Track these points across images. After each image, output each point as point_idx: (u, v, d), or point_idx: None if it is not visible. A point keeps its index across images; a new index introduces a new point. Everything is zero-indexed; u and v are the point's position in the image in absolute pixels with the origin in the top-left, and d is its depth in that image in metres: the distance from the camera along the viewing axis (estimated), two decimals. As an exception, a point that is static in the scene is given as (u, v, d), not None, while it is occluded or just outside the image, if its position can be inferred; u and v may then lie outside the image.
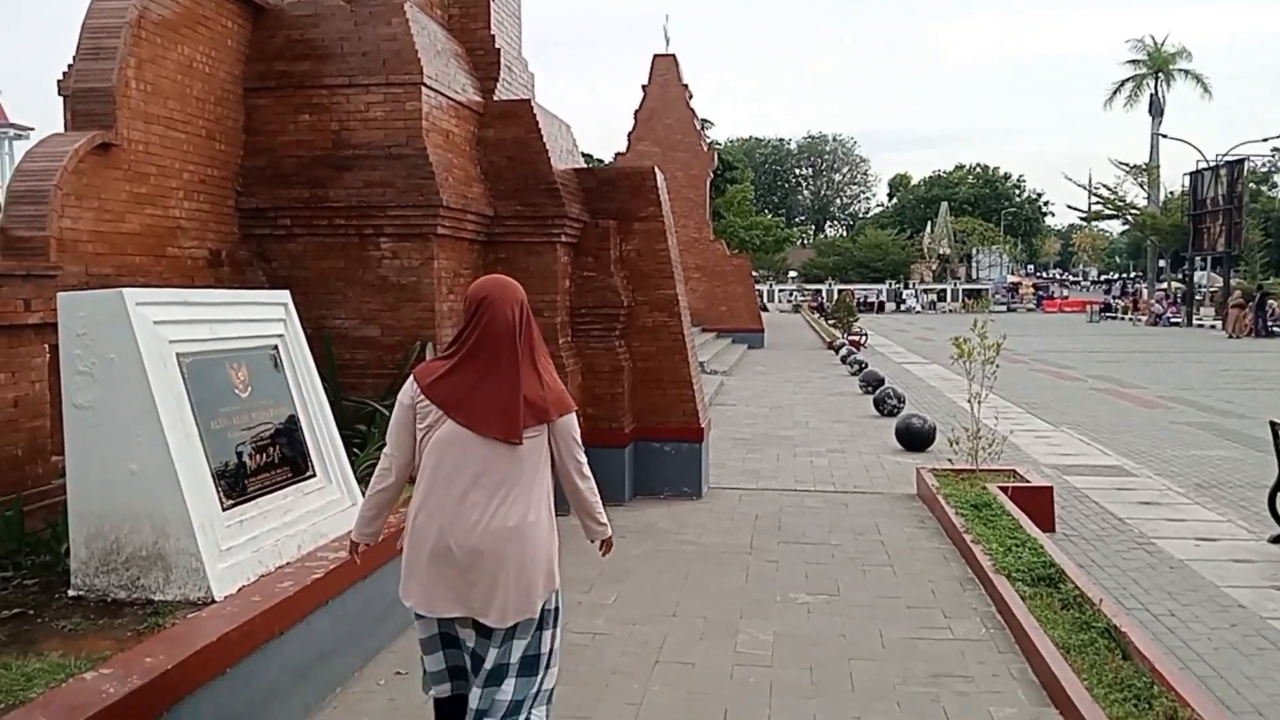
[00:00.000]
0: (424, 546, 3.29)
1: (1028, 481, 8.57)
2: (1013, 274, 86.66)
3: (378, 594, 4.97)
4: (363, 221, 7.32)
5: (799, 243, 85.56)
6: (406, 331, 7.33)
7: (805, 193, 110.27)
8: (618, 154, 29.80)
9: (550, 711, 3.50)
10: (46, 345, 5.16)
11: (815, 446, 12.12)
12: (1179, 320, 45.24)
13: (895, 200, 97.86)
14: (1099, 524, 8.50)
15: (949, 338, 9.85)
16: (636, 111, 29.48)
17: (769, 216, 57.35)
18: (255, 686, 3.98)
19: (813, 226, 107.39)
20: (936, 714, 4.46)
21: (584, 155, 10.61)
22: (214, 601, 4.11)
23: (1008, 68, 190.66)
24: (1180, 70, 61.21)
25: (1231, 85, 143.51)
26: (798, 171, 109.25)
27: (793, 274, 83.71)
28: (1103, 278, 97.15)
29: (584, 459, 3.50)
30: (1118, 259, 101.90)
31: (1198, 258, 50.65)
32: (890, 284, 72.69)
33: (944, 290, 71.02)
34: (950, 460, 9.43)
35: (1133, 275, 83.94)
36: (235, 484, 4.56)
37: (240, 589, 4.25)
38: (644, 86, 29.48)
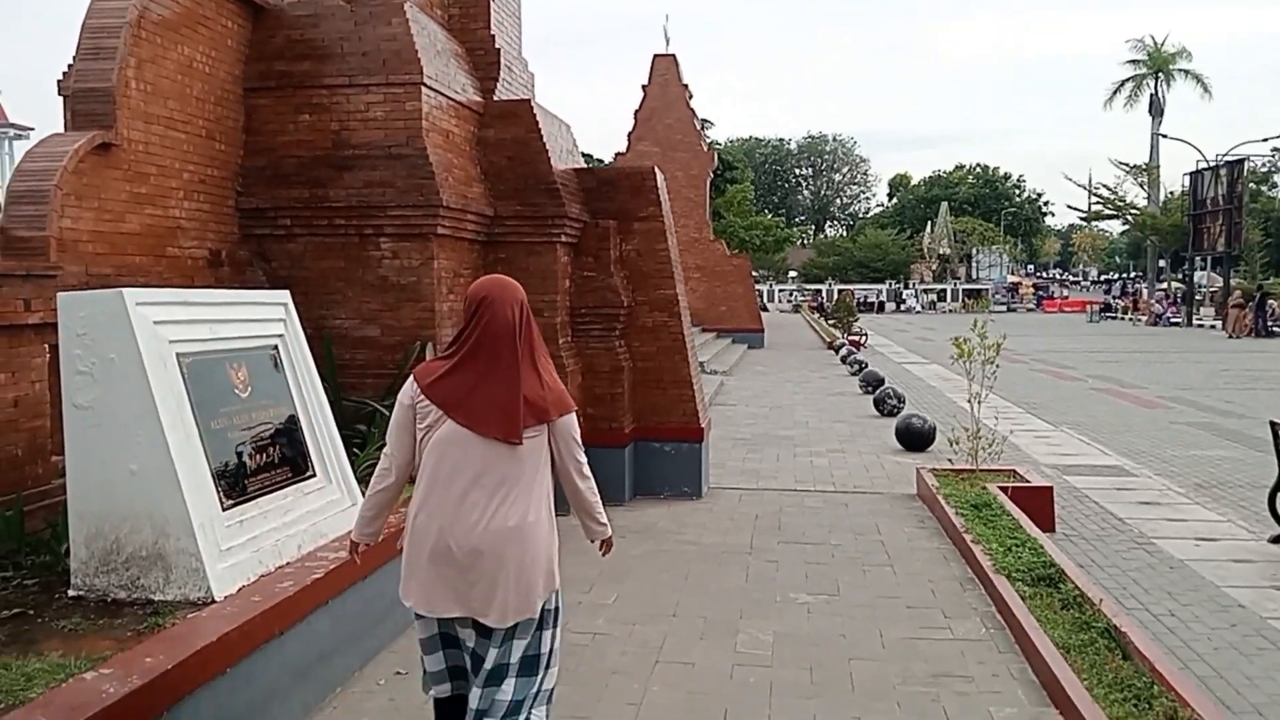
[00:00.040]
0: (424, 546, 3.29)
1: (1028, 481, 8.57)
2: (1013, 274, 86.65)
3: (377, 594, 4.97)
4: (363, 221, 7.32)
5: (799, 243, 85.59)
6: (406, 331, 7.33)
7: (805, 193, 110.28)
8: (618, 154, 29.81)
9: (550, 711, 3.50)
10: (46, 345, 5.16)
11: (815, 446, 12.12)
12: (1179, 320, 45.24)
13: (895, 200, 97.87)
14: (1099, 524, 8.50)
15: (949, 338, 9.85)
16: (636, 111, 29.48)
17: (769, 216, 57.35)
18: (255, 686, 3.98)
19: (813, 226, 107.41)
20: (936, 714, 4.46)
21: (584, 155, 10.61)
22: (214, 601, 4.11)
23: (1008, 68, 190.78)
24: (1180, 70, 61.22)
25: (1232, 85, 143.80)
26: (798, 171, 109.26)
27: (793, 274, 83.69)
28: (1103, 278, 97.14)
29: (584, 459, 3.50)
30: (1118, 259, 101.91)
31: (1198, 258, 50.65)
32: (890, 284, 72.68)
33: (944, 290, 71.01)
34: (950, 460, 9.43)
35: (1133, 275, 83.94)
36: (235, 484, 4.56)
37: (240, 589, 4.25)
38: (644, 86, 29.48)
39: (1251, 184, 48.21)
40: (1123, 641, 4.81)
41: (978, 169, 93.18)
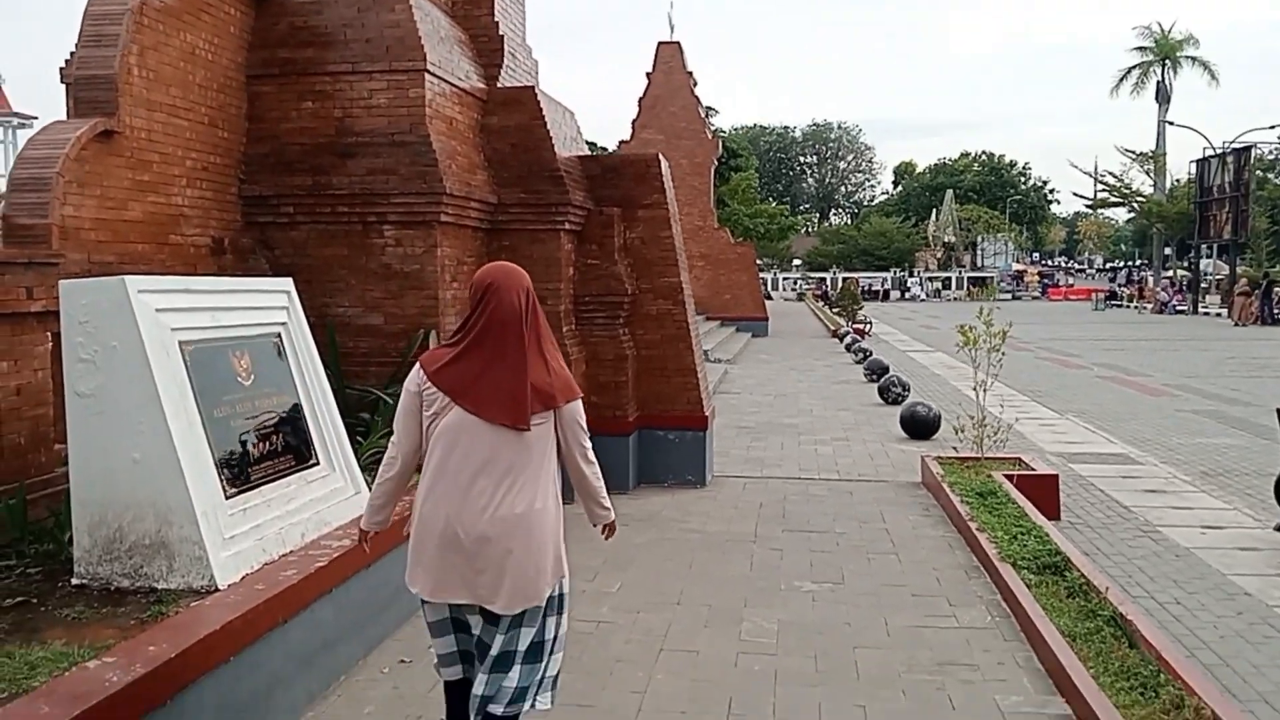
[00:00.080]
0: (431, 534, 3.29)
1: (1033, 469, 8.54)
2: (1018, 262, 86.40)
3: (381, 582, 4.96)
4: (366, 209, 7.29)
5: (803, 231, 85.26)
6: (410, 320, 7.31)
7: (810, 180, 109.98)
8: (622, 142, 29.70)
9: (555, 698, 3.50)
10: (49, 333, 5.15)
11: (819, 434, 12.10)
12: (1184, 308, 45.09)
13: (900, 188, 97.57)
14: (1104, 512, 8.48)
15: (954, 325, 9.82)
16: (640, 99, 29.35)
17: (773, 204, 57.17)
18: (259, 675, 3.98)
19: (817, 214, 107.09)
20: (942, 702, 4.45)
21: (588, 144, 10.57)
22: (217, 590, 4.10)
23: (1014, 55, 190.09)
24: (1187, 57, 60.94)
25: (1239, 72, 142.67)
26: (802, 159, 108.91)
27: (797, 262, 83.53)
28: (1108, 266, 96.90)
29: (589, 444, 3.51)
30: (1123, 247, 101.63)
31: (1204, 245, 50.44)
32: (895, 272, 72.49)
33: (949, 278, 70.84)
34: (955, 448, 9.41)
35: (1138, 263, 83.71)
36: (238, 472, 4.55)
37: (244, 577, 4.25)
38: (648, 74, 29.36)
39: (1258, 171, 47.97)
40: (1129, 629, 4.79)
41: (983, 157, 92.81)
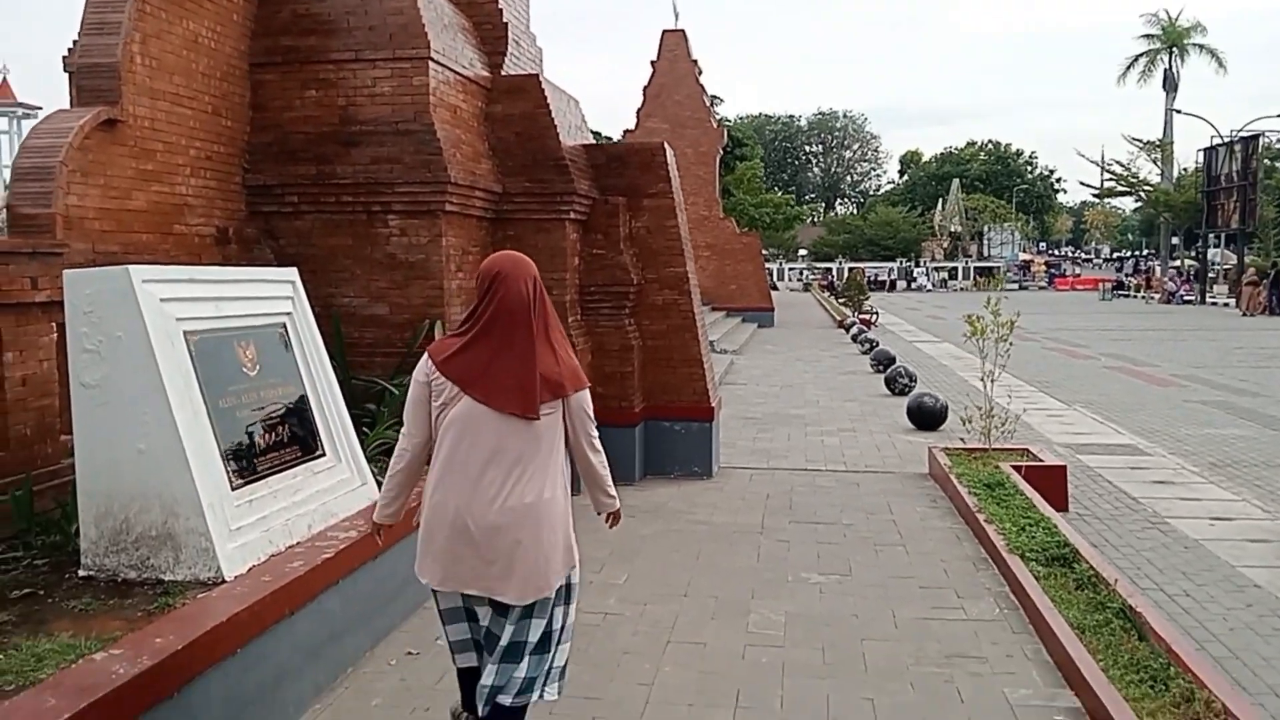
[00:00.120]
0: (441, 524, 3.28)
1: (1041, 460, 8.50)
2: (1024, 252, 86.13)
3: (388, 573, 4.95)
4: (370, 198, 7.26)
5: (809, 221, 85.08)
6: (415, 310, 7.28)
7: (815, 170, 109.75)
8: (626, 131, 29.60)
9: (563, 688, 3.50)
10: (54, 323, 5.13)
11: (826, 426, 12.07)
12: (1192, 298, 44.97)
13: (906, 177, 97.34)
14: (1113, 503, 8.44)
15: (961, 316, 9.77)
16: (645, 88, 29.26)
17: (779, 194, 56.95)
18: (266, 667, 3.97)
19: (823, 204, 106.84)
20: (950, 695, 4.43)
21: (593, 133, 10.53)
22: (224, 581, 4.09)
23: (1021, 43, 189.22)
24: (1195, 45, 60.61)
25: (1247, 60, 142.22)
26: (808, 148, 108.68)
27: (803, 252, 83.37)
28: (1115, 255, 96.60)
29: (596, 433, 3.51)
30: (1130, 236, 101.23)
31: (1211, 235, 50.28)
32: (901, 262, 72.35)
33: (955, 268, 70.67)
34: (962, 439, 9.38)
35: (1145, 253, 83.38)
36: (244, 463, 4.53)
37: (250, 569, 4.23)
38: (653, 62, 29.26)
39: (1266, 160, 47.68)
40: (1138, 622, 4.76)
41: (990, 145, 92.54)
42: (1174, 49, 60.66)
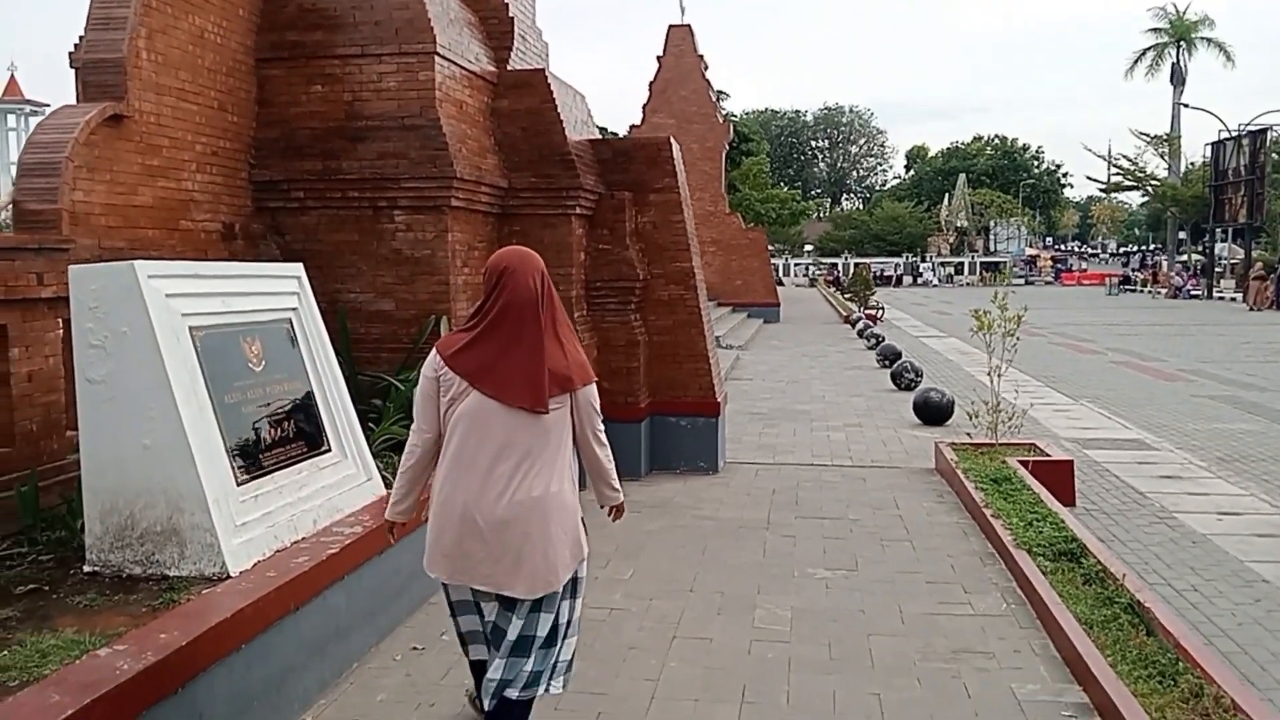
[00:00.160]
0: (450, 519, 3.28)
1: (1048, 455, 8.47)
2: (1031, 246, 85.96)
3: (394, 569, 4.95)
4: (376, 194, 7.25)
5: (815, 216, 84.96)
6: (421, 305, 7.27)
7: (821, 165, 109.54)
8: (632, 126, 29.55)
9: (569, 682, 3.50)
10: (60, 319, 5.13)
11: (832, 421, 12.05)
12: (1199, 293, 44.79)
13: (912, 172, 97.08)
14: (1120, 498, 8.42)
15: (967, 311, 9.75)
16: (651, 83, 29.21)
17: (785, 189, 56.92)
18: (271, 663, 3.96)
19: (829, 199, 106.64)
20: (957, 690, 4.41)
21: (599, 128, 10.50)
22: (229, 577, 4.09)
23: (1027, 37, 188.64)
24: (1202, 38, 60.40)
25: (1255, 53, 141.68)
26: (814, 144, 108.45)
27: (808, 247, 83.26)
28: (1122, 250, 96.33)
29: (602, 427, 3.52)
30: (1137, 231, 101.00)
31: (1218, 229, 50.09)
32: (907, 257, 72.19)
33: (961, 263, 70.51)
34: (969, 434, 9.36)
35: (1152, 247, 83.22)
36: (250, 459, 4.53)
37: (255, 564, 4.23)
38: (659, 58, 29.20)
39: (1274, 154, 47.48)
40: (1146, 617, 4.75)
41: (996, 140, 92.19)
42: (1182, 42, 60.47)
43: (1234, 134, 45.15)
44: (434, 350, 3.38)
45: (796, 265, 77.06)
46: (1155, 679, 4.14)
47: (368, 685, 4.48)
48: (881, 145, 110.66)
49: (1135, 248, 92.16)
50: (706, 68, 29.53)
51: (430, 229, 7.23)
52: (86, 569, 4.24)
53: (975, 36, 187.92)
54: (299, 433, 4.96)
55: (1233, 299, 41.38)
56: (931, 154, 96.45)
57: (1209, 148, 47.78)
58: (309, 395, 5.12)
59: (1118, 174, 59.47)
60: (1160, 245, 73.12)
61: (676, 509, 7.66)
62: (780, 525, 7.17)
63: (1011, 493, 7.15)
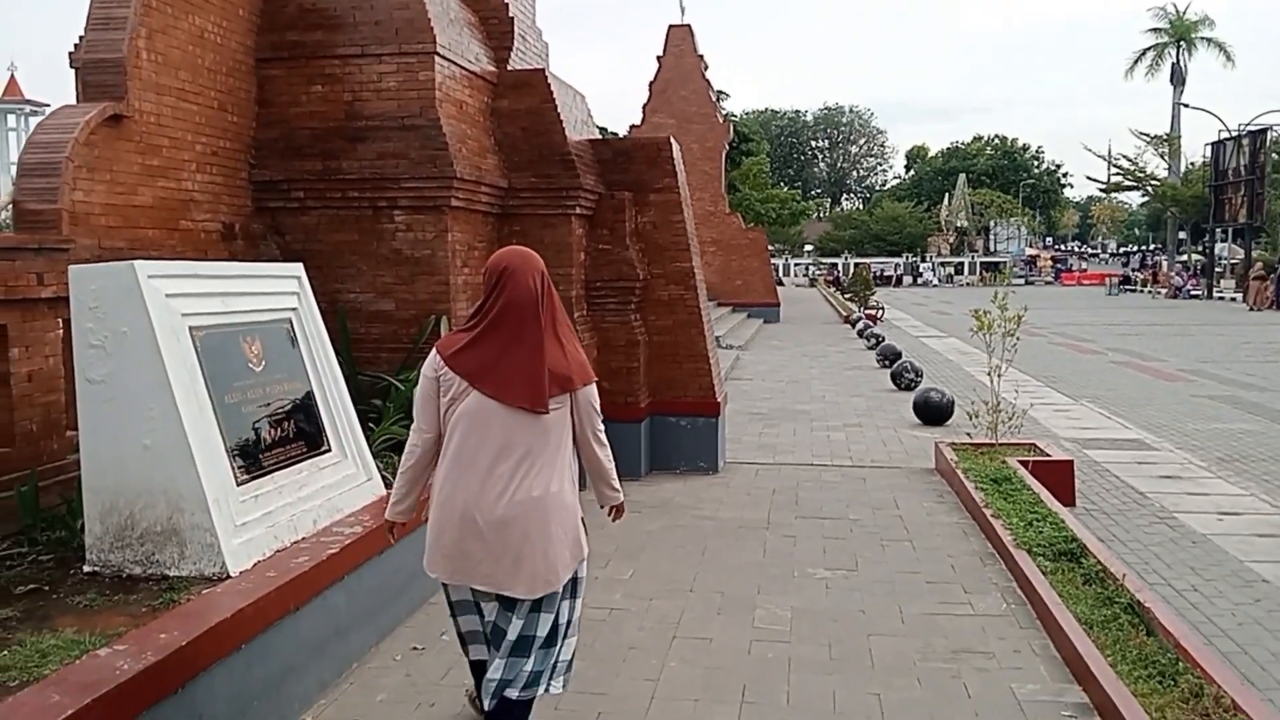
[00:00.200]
0: (450, 519, 3.28)
1: (1048, 455, 8.48)
2: (1030, 246, 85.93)
3: (394, 569, 4.95)
4: (376, 194, 7.25)
5: (815, 216, 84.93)
6: (421, 305, 7.27)
7: (821, 165, 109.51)
8: (632, 126, 29.55)
9: (568, 682, 3.50)
10: (60, 319, 5.13)
11: (832, 421, 12.05)
12: (1199, 293, 44.78)
13: (912, 172, 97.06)
14: (1120, 498, 8.42)
15: (967, 311, 9.75)
16: (651, 83, 29.21)
17: (785, 189, 56.92)
18: (271, 663, 3.96)
19: (829, 199, 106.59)
20: (957, 690, 4.41)
21: (599, 128, 10.50)
22: (229, 577, 4.09)
23: (1027, 37, 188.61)
24: (1202, 38, 60.40)
25: (1255, 53, 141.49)
26: (814, 144, 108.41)
27: (808, 247, 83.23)
28: (1122, 250, 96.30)
29: (602, 426, 3.52)
30: (1137, 231, 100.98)
31: (1218, 229, 50.08)
32: (907, 257, 72.17)
33: (961, 263, 70.50)
34: (969, 434, 9.35)
35: (1152, 247, 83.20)
36: (250, 459, 4.53)
37: (255, 564, 4.23)
38: (659, 58, 29.19)
39: (1274, 154, 47.47)
40: (1146, 617, 4.75)
41: (996, 140, 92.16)
42: (1182, 42, 60.48)
43: (1234, 134, 45.14)
44: (434, 350, 3.38)
45: (796, 265, 77.04)
46: (1155, 679, 4.14)
47: (368, 685, 4.48)
48: (881, 145, 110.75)
49: (1135, 248, 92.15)
50: (706, 68, 29.53)
51: (430, 229, 7.23)
52: (86, 569, 4.24)
53: (975, 36, 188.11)
54: (299, 433, 4.96)
55: (1233, 299, 41.37)
56: (931, 154, 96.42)
57: (1209, 148, 47.78)
58: (309, 395, 5.12)
59: (1118, 174, 59.47)
60: (1160, 245, 73.13)
61: (676, 509, 7.66)
62: (780, 525, 7.16)
63: (1011, 493, 7.15)
